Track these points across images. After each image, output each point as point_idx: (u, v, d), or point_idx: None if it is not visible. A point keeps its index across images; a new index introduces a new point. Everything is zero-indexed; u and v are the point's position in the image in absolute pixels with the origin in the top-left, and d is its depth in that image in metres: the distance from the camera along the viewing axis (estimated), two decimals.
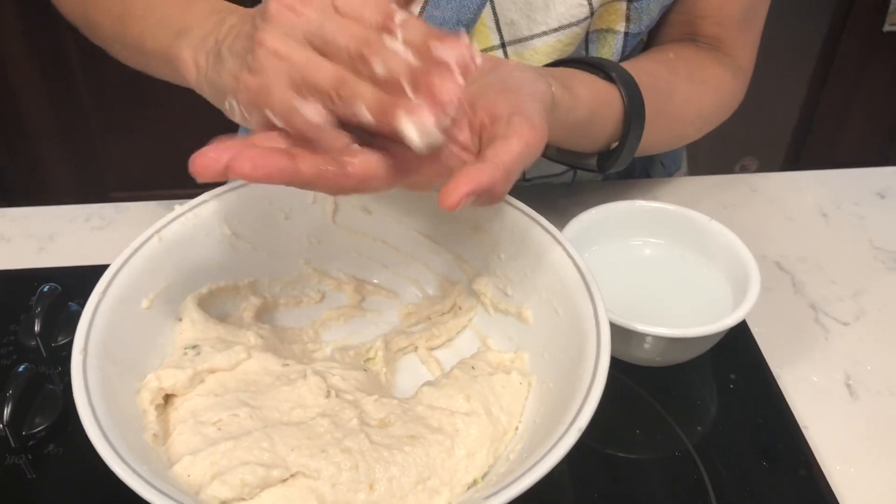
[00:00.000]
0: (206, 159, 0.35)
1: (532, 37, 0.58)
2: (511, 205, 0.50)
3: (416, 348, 0.52)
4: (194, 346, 0.47)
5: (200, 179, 0.35)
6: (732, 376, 0.53)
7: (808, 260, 0.62)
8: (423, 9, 0.56)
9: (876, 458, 0.49)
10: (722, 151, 1.81)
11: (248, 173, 0.35)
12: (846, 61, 1.74)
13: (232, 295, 0.52)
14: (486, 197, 0.38)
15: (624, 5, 0.58)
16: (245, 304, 0.52)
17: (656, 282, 0.55)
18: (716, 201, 0.67)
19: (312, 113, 0.35)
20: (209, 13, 0.46)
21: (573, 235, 0.54)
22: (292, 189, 0.52)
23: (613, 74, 0.52)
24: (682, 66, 0.60)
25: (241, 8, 0.46)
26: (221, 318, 0.51)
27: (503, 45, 0.59)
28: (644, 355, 0.51)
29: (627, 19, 0.59)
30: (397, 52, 0.34)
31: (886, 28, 1.67)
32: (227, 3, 0.47)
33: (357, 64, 0.35)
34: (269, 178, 0.35)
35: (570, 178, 0.68)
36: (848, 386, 0.53)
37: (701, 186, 0.69)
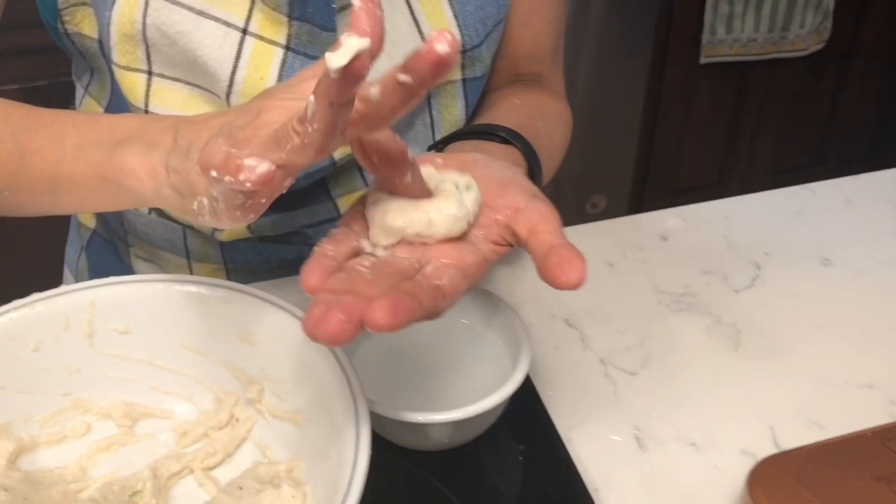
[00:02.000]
0: (335, 324, 0.33)
1: None
2: (274, 305, 0.49)
3: (192, 471, 0.49)
4: None
5: (329, 344, 0.35)
6: (521, 447, 0.53)
7: (595, 312, 0.63)
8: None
9: None
10: (571, 192, 1.87)
11: (389, 320, 0.33)
12: (673, 93, 1.84)
13: None
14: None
15: (459, 57, 0.61)
16: None
17: (440, 358, 0.55)
18: (503, 262, 0.67)
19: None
20: (142, 123, 0.45)
21: None
22: (37, 320, 0.49)
23: (503, 135, 0.54)
24: (531, 108, 0.63)
25: (176, 117, 0.45)
26: None
27: None
28: (433, 442, 0.51)
29: (462, 67, 0.62)
30: None
31: (703, 60, 1.78)
32: (154, 115, 0.48)
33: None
34: (407, 321, 0.34)
35: None
36: (637, 439, 0.54)
37: None
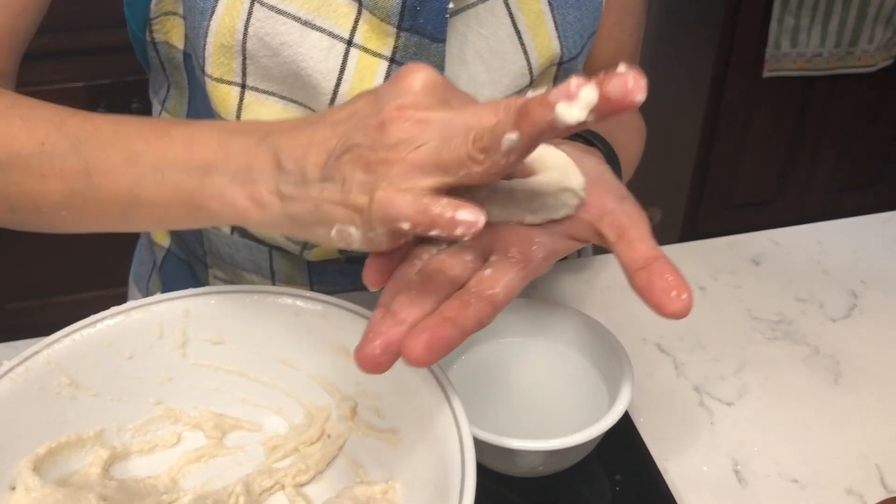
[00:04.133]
0: (375, 355, 0.36)
1: None
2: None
3: (283, 487, 0.48)
4: None
5: (373, 373, 0.37)
6: (618, 477, 0.51)
7: (688, 338, 0.61)
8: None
9: None
10: None
11: (424, 357, 0.35)
12: (733, 106, 1.80)
13: (76, 449, 0.47)
14: None
15: (554, 69, 0.60)
16: (91, 458, 0.47)
17: (534, 384, 0.53)
18: (592, 285, 0.66)
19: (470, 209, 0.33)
20: (221, 137, 0.41)
21: None
22: (133, 328, 0.49)
23: (586, 136, 0.53)
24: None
25: (256, 126, 0.42)
26: (65, 476, 0.46)
27: None
28: (526, 469, 0.49)
29: (555, 79, 0.61)
30: None
31: (766, 74, 1.75)
32: (228, 123, 0.43)
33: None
34: (444, 354, 0.36)
35: None
36: (736, 472, 0.52)
37: (578, 270, 0.68)
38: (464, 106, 0.36)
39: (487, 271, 0.39)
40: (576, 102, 0.29)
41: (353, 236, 0.36)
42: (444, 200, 0.33)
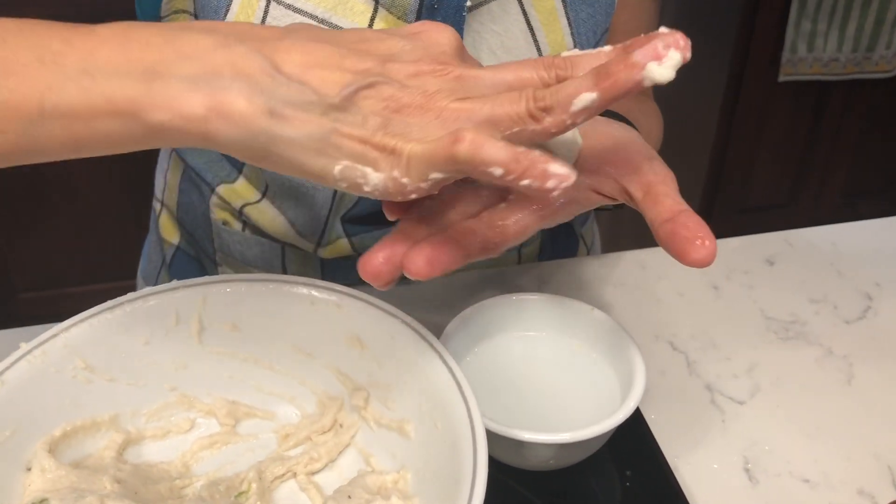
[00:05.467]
0: (376, 265, 0.36)
1: None
2: (386, 312, 0.48)
3: (294, 475, 0.49)
4: (42, 501, 0.43)
5: (376, 286, 0.37)
6: (628, 473, 0.51)
7: (700, 336, 0.61)
8: None
9: None
10: None
11: (424, 271, 0.36)
12: (748, 110, 1.80)
13: (91, 433, 0.48)
14: None
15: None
16: (106, 442, 0.48)
17: (546, 378, 0.53)
18: (605, 281, 0.66)
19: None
20: (176, 41, 0.33)
21: (454, 337, 0.52)
22: (150, 314, 0.49)
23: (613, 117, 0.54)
24: (631, 103, 0.63)
25: (213, 25, 0.35)
26: (79, 459, 0.47)
27: None
28: (536, 462, 0.49)
29: None
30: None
31: (781, 78, 1.74)
32: (171, 23, 0.36)
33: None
34: (443, 271, 0.36)
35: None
36: (746, 471, 0.52)
37: (591, 266, 0.68)
38: (495, 66, 0.36)
39: (502, 205, 0.39)
40: (666, 61, 0.29)
41: (367, 176, 0.33)
42: (537, 151, 0.31)
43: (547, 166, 0.31)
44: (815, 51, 1.72)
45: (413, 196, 0.34)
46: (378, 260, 0.37)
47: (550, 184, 0.31)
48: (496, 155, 0.31)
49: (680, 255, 0.37)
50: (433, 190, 0.34)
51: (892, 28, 1.72)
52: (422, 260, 0.36)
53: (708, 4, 1.67)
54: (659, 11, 0.69)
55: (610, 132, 0.43)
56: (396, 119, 0.33)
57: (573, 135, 0.41)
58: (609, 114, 0.52)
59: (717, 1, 1.68)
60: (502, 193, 0.40)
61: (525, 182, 0.31)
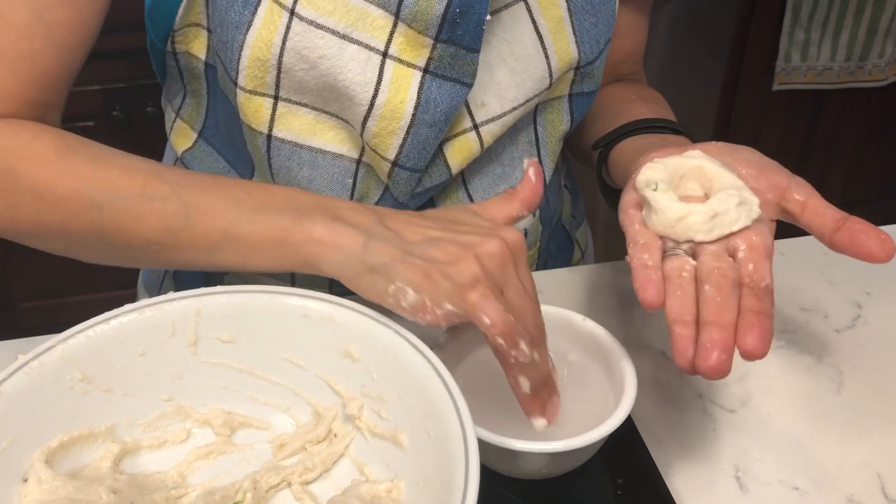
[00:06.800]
0: (721, 363, 0.42)
1: (504, 114, 0.60)
2: (380, 322, 0.48)
3: (289, 484, 0.49)
4: None
5: (714, 379, 0.42)
6: (620, 481, 0.51)
7: None
8: (411, 121, 0.56)
9: None
10: None
11: (761, 349, 0.43)
12: (743, 119, 1.81)
13: (87, 443, 0.48)
14: None
15: (572, 73, 0.62)
16: (102, 452, 0.48)
17: None
18: (598, 291, 0.66)
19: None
20: (323, 198, 0.50)
21: (447, 347, 0.52)
22: (146, 325, 0.50)
23: (671, 126, 0.60)
24: (649, 100, 0.68)
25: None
26: (76, 470, 0.47)
27: (476, 127, 0.60)
28: (529, 470, 0.50)
29: (572, 83, 0.63)
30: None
31: (776, 87, 1.75)
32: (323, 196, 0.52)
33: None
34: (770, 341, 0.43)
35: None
36: (737, 479, 0.52)
37: (584, 275, 0.68)
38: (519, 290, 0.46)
39: (750, 266, 0.45)
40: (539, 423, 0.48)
41: (408, 296, 0.44)
42: (523, 344, 0.45)
43: (523, 349, 0.45)
44: (808, 60, 1.74)
45: (431, 321, 0.46)
46: (721, 357, 0.42)
47: (514, 353, 0.45)
48: (492, 313, 0.44)
49: (868, 257, 0.44)
50: (447, 321, 0.46)
51: (884, 37, 1.73)
52: (756, 339, 0.43)
53: (702, 14, 1.69)
54: (647, 28, 0.72)
55: (745, 158, 0.50)
56: (448, 267, 0.45)
57: (754, 204, 0.47)
58: (658, 123, 0.60)
59: (712, 11, 1.69)
60: (729, 250, 0.47)
61: (500, 342, 0.44)
